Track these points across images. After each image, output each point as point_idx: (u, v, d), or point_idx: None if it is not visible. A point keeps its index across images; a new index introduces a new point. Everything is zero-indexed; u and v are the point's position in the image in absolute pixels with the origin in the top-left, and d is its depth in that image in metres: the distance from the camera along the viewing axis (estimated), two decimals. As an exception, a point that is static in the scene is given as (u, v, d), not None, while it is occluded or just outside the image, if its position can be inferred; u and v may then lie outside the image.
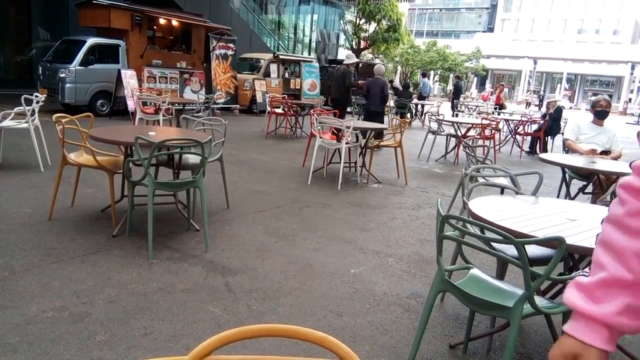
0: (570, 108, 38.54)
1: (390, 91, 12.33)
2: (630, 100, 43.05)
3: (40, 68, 10.97)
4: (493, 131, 8.54)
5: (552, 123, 10.21)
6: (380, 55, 26.55)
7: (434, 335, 2.64)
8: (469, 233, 2.04)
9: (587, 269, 0.76)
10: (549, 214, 2.50)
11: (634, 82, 46.21)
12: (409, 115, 14.30)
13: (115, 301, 2.71)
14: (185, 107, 8.99)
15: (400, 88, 15.25)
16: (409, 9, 54.75)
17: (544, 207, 2.66)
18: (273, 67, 14.82)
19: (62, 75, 10.14)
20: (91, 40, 10.62)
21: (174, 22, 12.74)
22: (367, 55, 26.16)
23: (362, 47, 24.40)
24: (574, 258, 2.42)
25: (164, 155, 4.11)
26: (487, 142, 7.13)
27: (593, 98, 5.67)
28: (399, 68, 34.36)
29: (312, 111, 7.31)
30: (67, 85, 10.17)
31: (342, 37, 26.61)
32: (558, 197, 5.13)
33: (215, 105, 12.18)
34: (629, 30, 52.23)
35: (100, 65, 10.65)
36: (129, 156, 3.69)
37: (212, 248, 3.59)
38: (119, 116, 10.66)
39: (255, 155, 7.63)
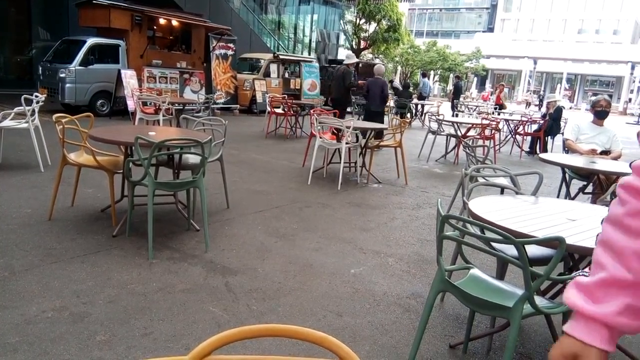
0: (570, 108, 38.54)
1: (390, 91, 12.33)
2: (630, 100, 43.05)
3: (40, 68, 10.97)
4: (493, 131, 8.54)
5: (552, 123, 10.21)
6: (380, 55, 26.55)
7: (434, 335, 2.64)
8: (469, 233, 2.04)
9: (587, 269, 0.76)
10: (549, 214, 2.50)
11: (634, 82, 46.22)
12: (409, 115, 14.30)
13: (115, 301, 2.71)
14: (185, 107, 8.99)
15: (400, 88, 15.25)
16: (409, 9, 54.77)
17: (544, 207, 2.66)
18: (273, 67, 14.82)
19: (62, 75, 10.14)
20: (91, 40, 10.62)
21: (174, 22, 12.74)
22: (367, 55, 26.16)
23: (362, 47, 24.40)
24: (574, 258, 2.42)
25: (164, 155, 4.11)
26: (487, 142, 7.13)
27: (593, 98, 5.67)
28: (399, 68, 34.37)
29: (312, 111, 7.31)
30: (67, 85, 10.18)
31: (342, 37, 26.61)
32: (558, 197, 5.13)
33: (215, 105, 12.18)
34: (629, 30, 52.23)
35: (100, 65, 10.65)
36: (129, 156, 3.69)
37: (212, 248, 3.59)
38: (119, 116, 10.66)
39: (255, 155, 7.63)
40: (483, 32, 59.50)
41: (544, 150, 10.11)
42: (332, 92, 9.76)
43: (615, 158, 5.00)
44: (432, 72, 35.74)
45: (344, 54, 21.69)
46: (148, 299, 2.76)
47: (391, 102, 13.45)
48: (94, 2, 10.97)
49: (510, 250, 2.08)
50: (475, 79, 45.53)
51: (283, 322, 2.61)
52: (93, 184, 4.97)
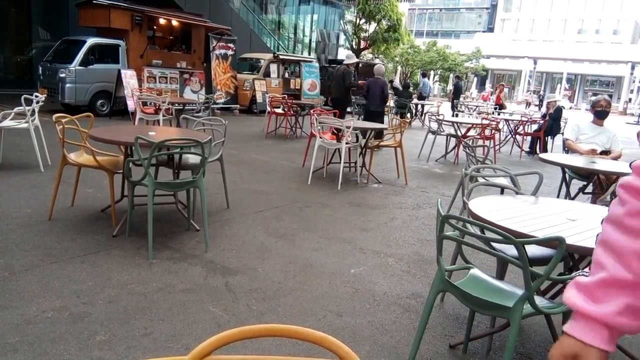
0: (570, 108, 38.54)
1: (390, 91, 12.34)
2: (630, 100, 43.05)
3: (40, 68, 10.97)
4: (493, 131, 8.54)
5: (552, 123, 10.21)
6: (380, 55, 26.55)
7: (434, 335, 2.64)
8: (469, 233, 2.04)
9: (587, 269, 0.76)
10: (549, 214, 2.50)
11: (634, 82, 46.22)
12: (409, 115, 14.30)
13: (115, 301, 2.71)
14: (185, 107, 9.00)
15: (400, 88, 15.26)
16: (409, 9, 54.76)
17: (544, 207, 2.66)
18: (273, 67, 14.82)
19: (62, 75, 10.14)
20: (91, 40, 10.62)
21: (174, 22, 12.74)
22: (367, 55, 26.16)
23: (362, 47, 24.40)
24: (574, 258, 2.42)
25: (164, 155, 4.11)
26: (487, 142, 7.13)
27: (593, 98, 5.67)
28: (399, 68, 34.36)
29: (312, 111, 7.31)
30: (67, 85, 10.18)
31: (342, 37, 26.61)
32: (558, 197, 5.13)
33: (215, 105, 12.18)
34: (629, 30, 52.23)
35: (100, 65, 10.65)
36: (129, 156, 3.69)
37: (212, 248, 3.59)
38: (119, 116, 10.66)
39: (255, 155, 7.63)
40: (483, 32, 59.51)
41: (544, 150, 10.11)
42: (332, 92, 9.77)
43: (615, 158, 5.00)
44: (432, 72, 35.74)
45: (344, 54, 21.68)
46: (148, 299, 2.76)
47: (391, 102, 13.45)
48: (94, 2, 10.97)
49: (510, 250, 2.08)
50: (475, 79, 45.53)
51: (283, 322, 2.61)
52: (93, 184, 4.97)
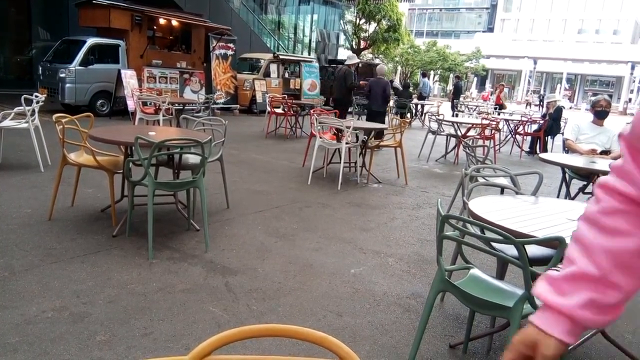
0: (570, 108, 38.54)
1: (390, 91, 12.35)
2: (630, 100, 43.05)
3: (40, 68, 10.97)
4: (493, 131, 8.54)
5: (552, 123, 10.21)
6: (380, 55, 26.54)
7: (434, 335, 2.64)
8: (469, 233, 2.04)
9: (560, 266, 0.78)
10: (549, 214, 2.50)
11: (634, 82, 46.22)
12: (409, 115, 14.30)
13: (115, 301, 2.71)
14: (185, 107, 8.99)
15: (400, 88, 15.26)
16: (409, 9, 54.76)
17: (544, 207, 2.66)
18: (273, 67, 14.82)
19: (62, 75, 10.14)
20: (91, 40, 10.62)
21: (174, 22, 12.74)
22: (367, 55, 26.16)
23: (362, 47, 24.41)
24: (574, 258, 2.42)
25: (164, 155, 4.11)
26: (487, 142, 7.13)
27: (593, 98, 5.67)
28: (399, 68, 34.35)
29: (312, 111, 7.32)
30: (67, 85, 10.17)
31: (342, 37, 26.61)
32: (558, 197, 5.13)
33: (215, 105, 12.18)
34: (629, 30, 52.23)
35: (100, 65, 10.65)
36: (129, 156, 3.69)
37: (212, 248, 3.59)
38: (119, 116, 10.66)
39: (255, 155, 7.63)
40: (483, 32, 59.50)
41: (544, 150, 10.11)
42: (334, 93, 9.79)
43: (615, 158, 4.97)
44: (432, 72, 35.73)
45: (344, 54, 21.69)
46: (148, 299, 2.76)
47: (391, 102, 13.45)
48: (94, 2, 10.97)
49: (510, 250, 2.08)
50: (475, 79, 45.52)
51: (283, 322, 2.61)
52: (93, 184, 4.97)
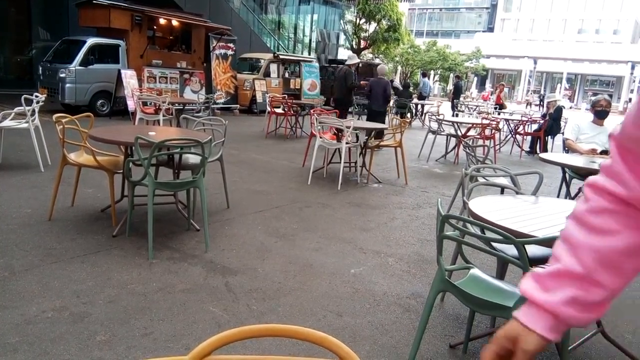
0: (570, 108, 38.54)
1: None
2: (630, 100, 43.00)
3: (40, 68, 10.97)
4: (493, 131, 8.54)
5: (552, 123, 10.21)
6: (380, 55, 26.54)
7: (434, 335, 2.64)
8: (469, 233, 2.04)
9: (547, 264, 0.79)
10: (549, 213, 2.50)
11: (634, 82, 46.20)
12: (409, 115, 14.30)
13: (115, 301, 2.71)
14: (185, 107, 8.99)
15: (401, 88, 15.26)
16: (409, 9, 54.75)
17: (544, 207, 2.66)
18: (273, 67, 14.82)
19: (62, 75, 10.14)
20: (91, 40, 10.62)
21: (174, 22, 12.74)
22: (367, 55, 26.16)
23: (362, 47, 24.40)
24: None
25: (164, 155, 4.11)
26: (487, 142, 7.13)
27: (593, 98, 5.66)
28: (399, 68, 34.35)
29: (312, 111, 7.32)
30: (67, 85, 10.17)
31: (342, 37, 26.61)
32: (558, 197, 5.13)
33: (215, 105, 12.18)
34: (629, 30, 52.21)
35: (100, 65, 10.65)
36: (129, 156, 3.69)
37: (212, 248, 3.59)
38: (119, 116, 10.66)
39: (255, 155, 7.63)
40: (483, 32, 59.49)
41: (544, 150, 10.11)
42: (335, 93, 9.81)
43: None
44: (432, 72, 35.72)
45: (344, 54, 21.69)
46: (148, 299, 2.75)
47: (391, 102, 13.46)
48: (94, 2, 10.97)
49: (511, 250, 2.08)
50: (475, 78, 45.51)
51: (283, 322, 2.61)
52: (93, 184, 4.97)
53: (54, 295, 2.71)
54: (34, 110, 5.45)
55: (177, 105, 8.99)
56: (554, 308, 0.72)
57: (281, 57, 15.46)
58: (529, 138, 10.91)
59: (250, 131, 10.47)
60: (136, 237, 3.65)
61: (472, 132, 8.47)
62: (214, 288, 2.97)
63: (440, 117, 9.30)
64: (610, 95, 42.01)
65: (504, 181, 3.43)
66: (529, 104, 34.98)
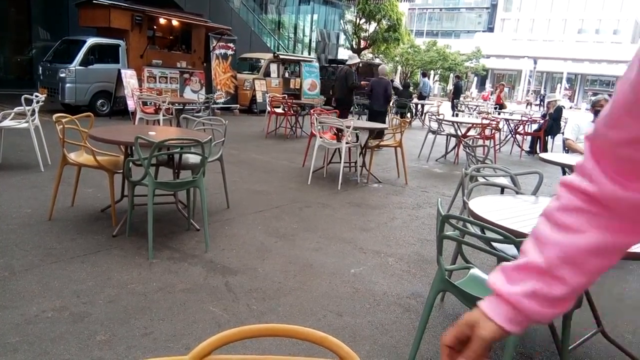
0: (571, 108, 38.52)
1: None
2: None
3: (40, 68, 10.96)
4: (493, 131, 8.54)
5: (552, 123, 10.21)
6: (380, 55, 26.55)
7: (434, 335, 2.64)
8: (469, 233, 2.04)
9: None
10: (549, 213, 2.49)
11: (634, 82, 46.12)
12: (409, 115, 14.30)
13: (115, 301, 2.71)
14: (185, 107, 9.00)
15: (401, 88, 15.26)
16: (409, 9, 54.75)
17: (544, 207, 2.66)
18: (273, 67, 14.82)
19: (62, 75, 10.14)
20: (91, 40, 10.61)
21: (174, 22, 12.74)
22: (367, 55, 26.17)
23: (362, 46, 24.41)
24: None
25: (164, 155, 4.11)
26: (487, 142, 7.13)
27: (593, 98, 5.67)
28: (399, 68, 34.35)
29: (312, 111, 7.32)
30: (67, 85, 10.17)
31: (342, 37, 26.62)
32: (558, 196, 5.12)
33: (215, 105, 12.18)
34: (629, 30, 52.21)
35: (100, 65, 10.65)
36: (129, 156, 3.69)
37: (212, 248, 3.59)
38: (119, 116, 10.66)
39: (255, 155, 7.63)
40: (483, 31, 59.48)
41: (544, 150, 10.11)
42: (336, 93, 9.82)
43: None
44: (432, 72, 35.73)
45: (344, 54, 21.69)
46: (148, 299, 2.76)
47: (391, 102, 13.47)
48: (94, 2, 10.97)
49: (511, 250, 2.08)
50: (476, 78, 45.50)
51: (283, 322, 2.61)
52: (93, 184, 4.97)
53: (54, 295, 2.71)
54: (34, 110, 5.45)
55: (177, 105, 8.99)
56: (515, 299, 0.74)
57: (281, 57, 15.46)
58: (529, 138, 10.91)
59: (250, 131, 10.47)
60: (136, 237, 3.65)
61: (472, 132, 8.47)
62: (214, 288, 2.97)
63: (440, 117, 9.30)
64: (610, 95, 41.94)
65: (504, 181, 3.43)
66: (529, 103, 34.98)
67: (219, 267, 3.27)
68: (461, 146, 7.72)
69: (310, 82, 15.91)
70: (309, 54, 23.77)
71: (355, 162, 6.47)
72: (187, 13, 13.55)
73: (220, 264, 3.34)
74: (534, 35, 55.73)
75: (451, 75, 32.28)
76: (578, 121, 5.52)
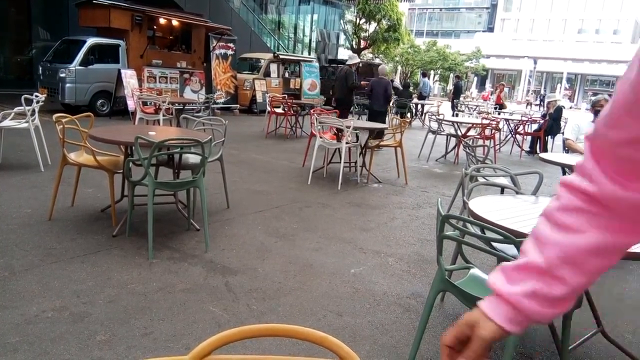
0: (571, 108, 38.52)
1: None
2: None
3: (40, 68, 10.97)
4: (493, 131, 8.54)
5: (552, 123, 10.21)
6: (380, 55, 26.55)
7: (434, 335, 2.64)
8: (469, 233, 2.04)
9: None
10: (549, 213, 2.50)
11: (634, 82, 46.12)
12: (409, 115, 14.30)
13: (115, 301, 2.71)
14: (185, 107, 9.00)
15: (401, 88, 15.26)
16: (409, 9, 54.75)
17: (544, 207, 2.66)
18: (273, 67, 14.82)
19: (62, 75, 10.14)
20: (91, 40, 10.61)
21: (174, 22, 12.74)
22: (367, 55, 26.17)
23: (362, 46, 24.41)
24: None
25: (164, 155, 4.11)
26: (487, 142, 7.13)
27: (593, 98, 5.67)
28: (399, 68, 34.35)
29: (312, 111, 7.32)
30: (67, 85, 10.17)
31: (342, 37, 26.61)
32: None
33: (215, 105, 12.18)
34: (629, 30, 52.21)
35: (100, 65, 10.64)
36: (129, 156, 3.69)
37: (212, 248, 3.59)
38: (119, 116, 10.66)
39: (255, 155, 7.63)
40: (483, 31, 59.48)
41: (544, 150, 10.11)
42: (336, 93, 9.83)
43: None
44: (432, 72, 35.73)
45: (344, 54, 21.69)
46: (148, 299, 2.76)
47: (391, 102, 13.46)
48: (94, 2, 10.97)
49: (511, 250, 2.08)
50: (476, 78, 45.50)
51: (283, 322, 2.61)
52: (93, 184, 4.97)
53: (54, 295, 2.71)
54: (34, 110, 5.45)
55: (177, 105, 8.99)
56: (515, 299, 0.74)
57: (281, 57, 15.46)
58: (529, 138, 10.91)
59: (250, 131, 10.47)
60: (136, 237, 3.65)
61: (472, 132, 8.47)
62: (214, 288, 2.97)
63: (440, 117, 9.30)
64: (610, 95, 41.95)
65: (504, 181, 3.43)
66: (529, 103, 34.97)
67: (219, 267, 3.27)
68: (461, 146, 7.72)
69: (310, 82, 15.91)
70: (309, 54, 23.77)
71: (355, 162, 6.47)
72: (187, 13, 13.55)
73: (220, 264, 3.34)
74: (534, 35, 55.73)
75: (451, 75, 32.28)
76: (578, 121, 5.52)
